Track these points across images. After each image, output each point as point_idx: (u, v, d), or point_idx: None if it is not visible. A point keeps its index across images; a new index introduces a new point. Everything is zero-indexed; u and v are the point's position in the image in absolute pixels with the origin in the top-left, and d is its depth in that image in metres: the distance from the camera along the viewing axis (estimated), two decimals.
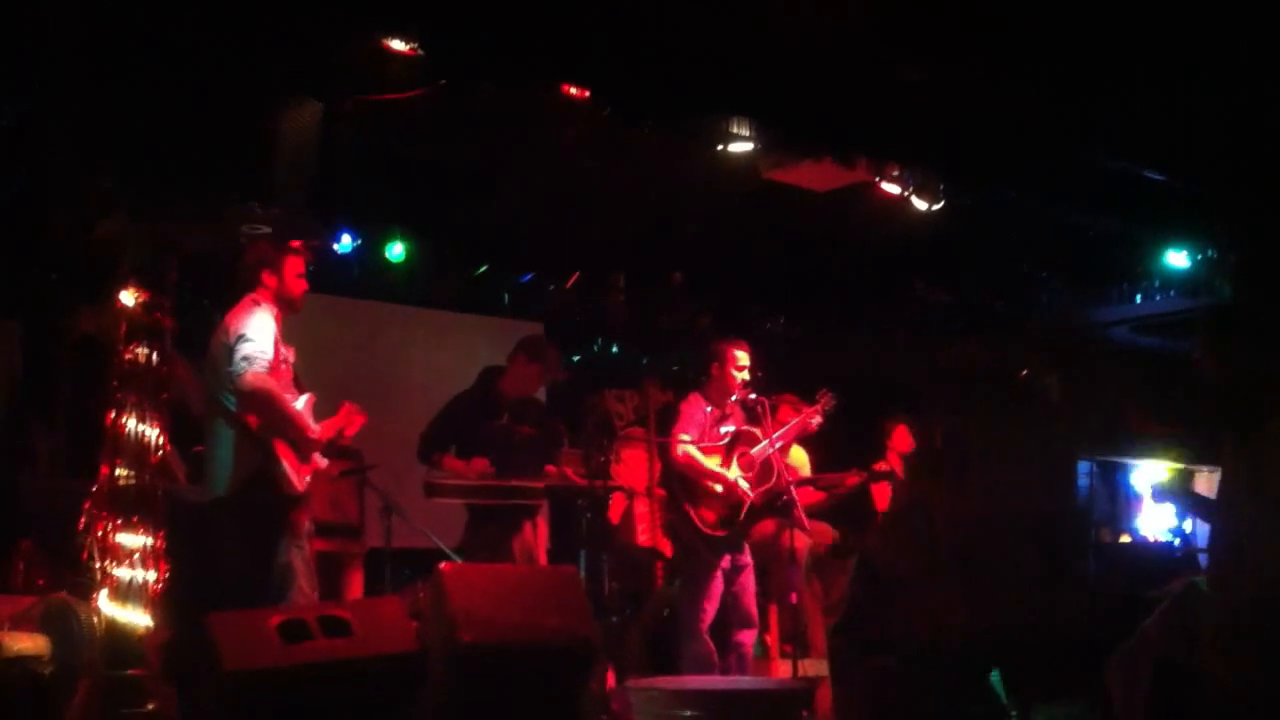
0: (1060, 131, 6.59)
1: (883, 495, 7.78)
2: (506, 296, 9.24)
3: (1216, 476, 4.57)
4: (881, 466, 7.81)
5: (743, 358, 6.33)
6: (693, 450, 6.19)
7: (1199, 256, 8.02)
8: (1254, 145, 6.61)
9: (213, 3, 4.83)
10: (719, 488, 6.17)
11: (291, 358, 5.20)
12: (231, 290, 5.23)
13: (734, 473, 6.21)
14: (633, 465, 8.25)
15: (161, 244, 5.08)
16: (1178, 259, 8.04)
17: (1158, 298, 8.74)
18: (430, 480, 6.23)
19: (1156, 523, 8.15)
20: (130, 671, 4.82)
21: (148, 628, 4.94)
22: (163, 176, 4.90)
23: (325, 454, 5.31)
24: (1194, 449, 6.09)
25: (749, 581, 6.30)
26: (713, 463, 6.23)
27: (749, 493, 6.18)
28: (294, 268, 5.21)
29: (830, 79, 5.97)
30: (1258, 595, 4.06)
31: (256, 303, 5.09)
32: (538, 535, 6.47)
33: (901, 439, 7.91)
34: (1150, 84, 6.14)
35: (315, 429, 5.14)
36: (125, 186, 4.91)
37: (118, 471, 5.07)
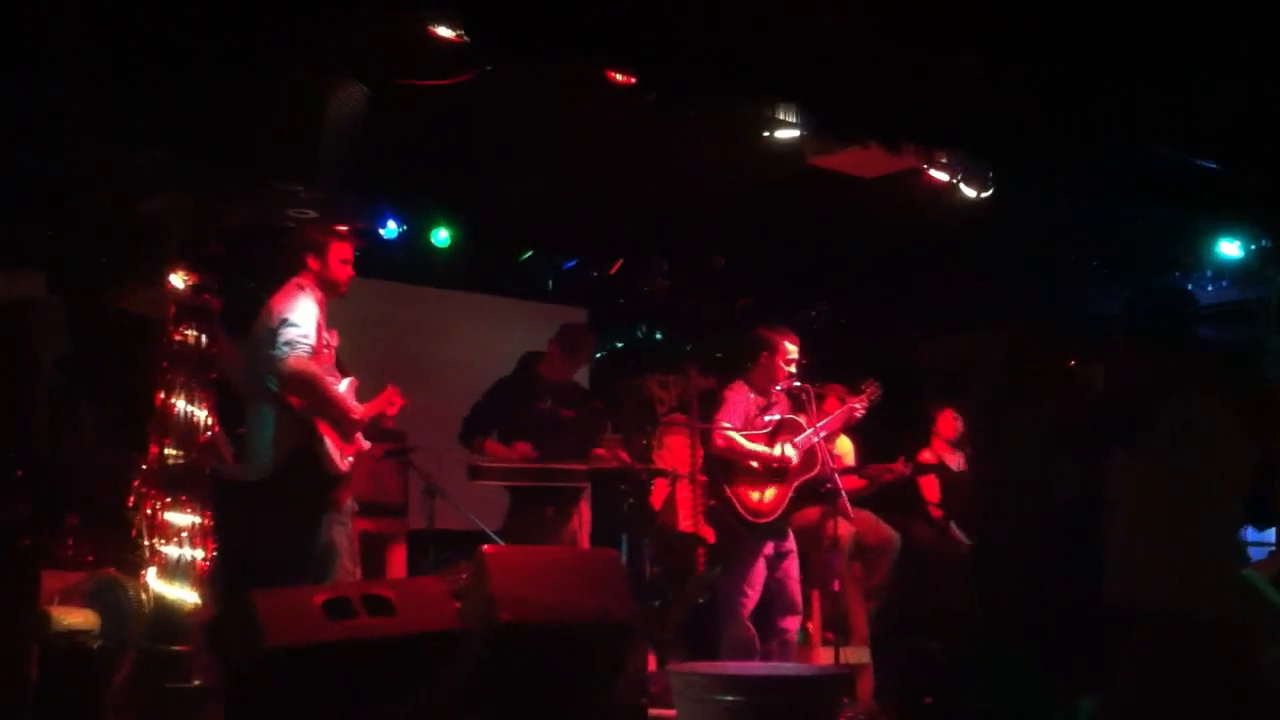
0: (1111, 119, 6.51)
1: (930, 486, 7.75)
2: (550, 282, 9.26)
3: None
4: (928, 457, 7.77)
5: (793, 350, 6.33)
6: (733, 434, 6.19)
7: (1252, 246, 7.89)
8: None
9: None
10: (762, 464, 6.16)
11: (335, 341, 5.25)
12: (276, 271, 5.28)
13: (777, 451, 6.21)
14: (675, 450, 8.25)
15: (207, 222, 5.13)
16: (1230, 248, 7.91)
17: (1210, 288, 8.61)
18: (474, 463, 6.27)
19: None
20: (176, 647, 4.88)
21: (195, 604, 5.01)
22: (209, 155, 4.95)
23: (369, 435, 5.35)
24: None
25: (793, 568, 6.29)
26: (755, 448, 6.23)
27: (793, 458, 6.16)
28: (339, 253, 5.25)
29: (877, 65, 5.93)
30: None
31: (300, 287, 5.14)
32: (581, 519, 6.49)
33: (946, 425, 7.87)
34: (1203, 71, 6.05)
35: (358, 409, 5.18)
36: (171, 165, 4.96)
37: (167, 451, 5.14)
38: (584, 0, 5.38)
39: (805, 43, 5.76)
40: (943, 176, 6.71)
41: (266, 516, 5.03)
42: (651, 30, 5.59)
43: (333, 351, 5.22)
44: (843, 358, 8.29)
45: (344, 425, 5.12)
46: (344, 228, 5.35)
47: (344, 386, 5.19)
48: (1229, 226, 7.82)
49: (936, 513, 7.68)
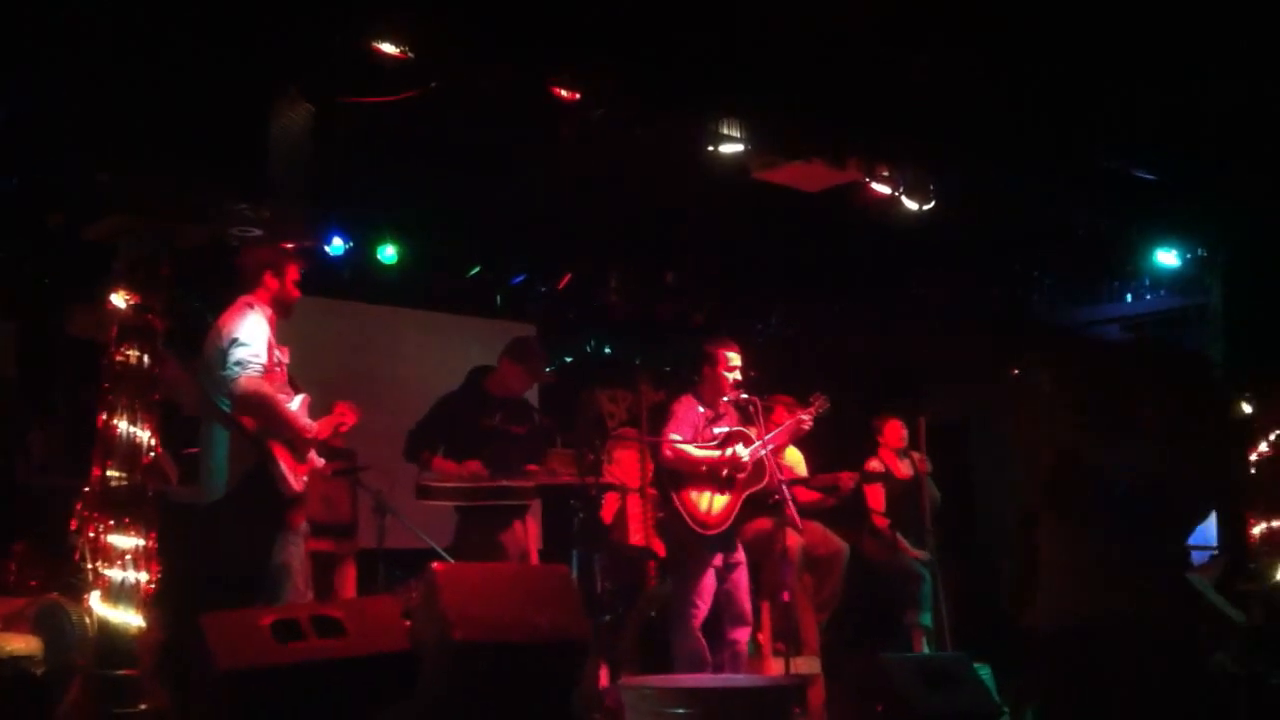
0: (1051, 130, 6.61)
1: (876, 493, 7.80)
2: (499, 298, 9.25)
3: None
4: (874, 466, 7.82)
5: (734, 358, 6.35)
6: (682, 445, 6.20)
7: (1189, 255, 8.03)
8: (1245, 143, 6.63)
9: (205, 2, 4.85)
10: (713, 469, 6.17)
11: (286, 359, 5.22)
12: (224, 290, 5.25)
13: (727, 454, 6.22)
14: (626, 464, 8.27)
15: (155, 243, 5.09)
16: (1167, 258, 8.05)
17: (1148, 296, 8.77)
18: (421, 482, 6.23)
19: None
20: (123, 671, 4.82)
21: (140, 628, 4.95)
22: (156, 176, 4.91)
23: (319, 454, 5.33)
24: None
25: (742, 579, 6.31)
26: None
27: (743, 458, 6.17)
28: (294, 275, 5.25)
29: (820, 79, 5.99)
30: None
31: (250, 305, 5.10)
32: (528, 534, 6.48)
33: (893, 434, 7.93)
34: (1142, 82, 6.16)
35: (311, 428, 5.15)
36: (119, 186, 4.92)
37: (109, 473, 5.08)
38: (528, 18, 5.40)
39: (748, 58, 5.82)
40: (885, 190, 6.78)
41: (219, 538, 4.99)
42: (596, 47, 5.63)
43: (284, 369, 5.18)
44: (796, 369, 8.36)
45: (297, 444, 5.09)
46: (292, 246, 5.33)
47: (296, 404, 5.15)
48: (1165, 236, 7.95)
49: (882, 522, 7.73)
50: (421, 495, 6.22)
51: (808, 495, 7.20)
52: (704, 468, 6.19)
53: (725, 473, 6.20)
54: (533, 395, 7.37)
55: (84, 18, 4.72)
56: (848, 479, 7.33)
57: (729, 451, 6.21)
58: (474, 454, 6.28)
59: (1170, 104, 6.36)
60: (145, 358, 5.12)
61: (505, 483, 6.26)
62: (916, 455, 7.86)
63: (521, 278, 9.13)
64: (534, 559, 6.51)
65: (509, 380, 6.51)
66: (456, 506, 6.33)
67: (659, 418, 6.80)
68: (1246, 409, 6.84)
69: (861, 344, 9.39)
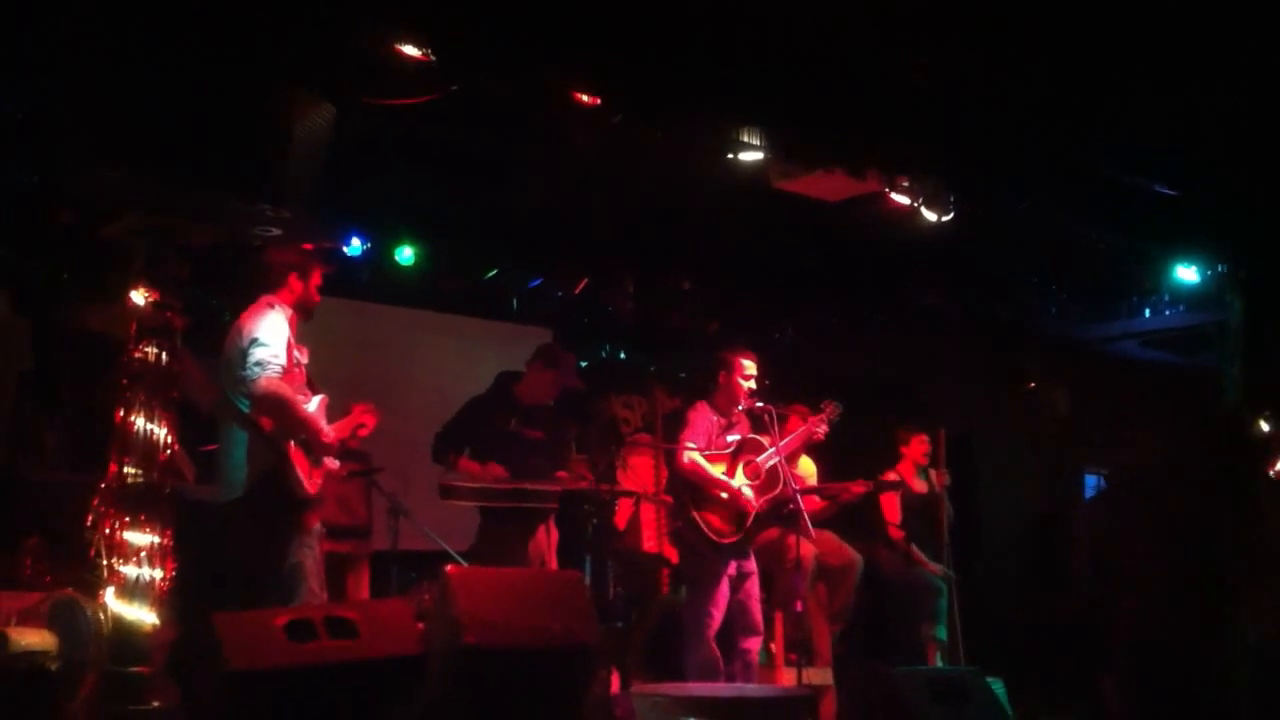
0: (1071, 145, 6.59)
1: (891, 505, 7.78)
2: (515, 301, 9.26)
3: None
4: (891, 476, 7.80)
5: (750, 367, 6.35)
6: (698, 458, 6.19)
7: (1209, 271, 7.99)
8: (1268, 158, 6.61)
9: (227, 2, 4.86)
10: (724, 495, 6.18)
11: (305, 359, 5.22)
12: (242, 290, 5.25)
13: (739, 480, 6.22)
14: (639, 471, 8.27)
15: (170, 242, 5.10)
16: (1187, 274, 8.01)
17: (1167, 312, 8.73)
18: (445, 482, 6.24)
19: None
20: (135, 668, 4.83)
21: (154, 625, 4.96)
22: (173, 175, 4.92)
23: (334, 456, 5.33)
24: None
25: (754, 588, 6.30)
26: (718, 470, 6.24)
27: (753, 501, 6.19)
28: (317, 279, 5.26)
29: (841, 89, 5.98)
30: None
31: (271, 305, 5.10)
32: (550, 539, 6.49)
33: (918, 448, 7.90)
34: (1162, 97, 6.14)
35: (328, 431, 5.15)
36: (135, 184, 4.93)
37: (126, 470, 5.09)
38: (550, 21, 5.40)
39: (769, 66, 5.82)
40: (905, 200, 6.77)
41: (233, 538, 4.99)
42: (617, 52, 5.62)
43: (303, 370, 5.19)
44: (808, 378, 8.34)
45: (314, 447, 5.09)
46: (316, 248, 5.35)
47: (315, 405, 5.15)
48: (1186, 252, 7.92)
49: (896, 534, 7.71)
50: (445, 495, 6.24)
51: (819, 504, 7.19)
52: (718, 491, 6.18)
53: (738, 506, 6.18)
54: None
55: (103, 15, 4.72)
56: (857, 486, 7.31)
57: (738, 479, 6.20)
58: (494, 457, 6.30)
59: (1193, 118, 6.34)
60: (164, 355, 5.13)
61: (527, 485, 6.28)
62: (935, 471, 7.84)
63: (538, 281, 9.13)
64: (553, 564, 6.52)
65: (538, 385, 6.54)
66: (479, 508, 6.34)
67: (673, 424, 6.79)
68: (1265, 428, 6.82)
69: (870, 354, 9.38)
